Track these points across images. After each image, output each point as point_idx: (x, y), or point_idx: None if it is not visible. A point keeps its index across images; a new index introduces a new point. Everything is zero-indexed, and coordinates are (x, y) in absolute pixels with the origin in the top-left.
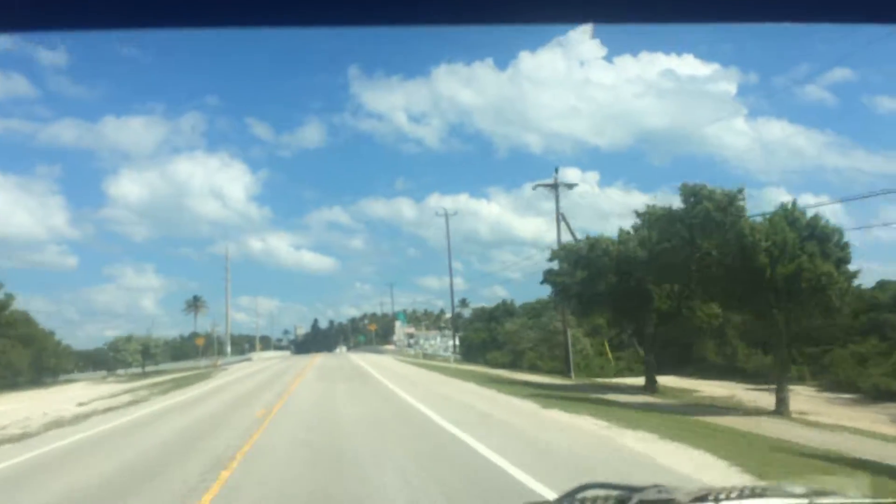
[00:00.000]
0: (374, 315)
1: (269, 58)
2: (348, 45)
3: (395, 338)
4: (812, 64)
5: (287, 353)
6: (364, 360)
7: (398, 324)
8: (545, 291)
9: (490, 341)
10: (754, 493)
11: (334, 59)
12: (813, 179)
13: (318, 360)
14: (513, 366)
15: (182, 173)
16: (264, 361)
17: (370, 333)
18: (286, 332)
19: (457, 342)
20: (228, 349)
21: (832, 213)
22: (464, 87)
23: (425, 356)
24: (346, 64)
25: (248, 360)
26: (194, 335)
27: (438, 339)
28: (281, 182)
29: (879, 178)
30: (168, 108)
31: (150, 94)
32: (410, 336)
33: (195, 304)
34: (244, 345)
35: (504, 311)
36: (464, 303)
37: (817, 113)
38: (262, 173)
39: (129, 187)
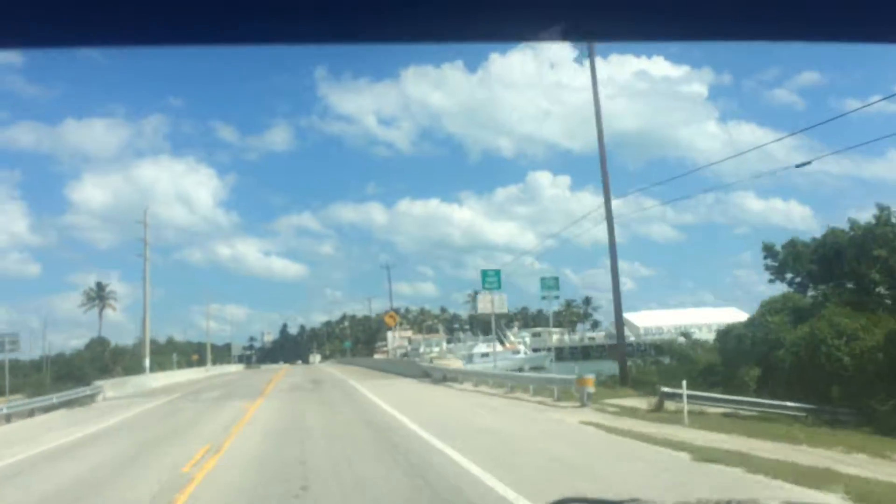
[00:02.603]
0: (353, 318)
1: (233, 59)
2: (314, 47)
3: (389, 343)
4: (781, 68)
5: (239, 367)
6: (388, 399)
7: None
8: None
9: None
10: None
11: (300, 61)
12: (782, 183)
13: (278, 383)
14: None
15: (146, 178)
16: (165, 396)
17: (361, 336)
18: (252, 339)
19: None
20: (147, 363)
21: (801, 218)
22: (434, 89)
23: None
24: (313, 65)
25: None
26: (96, 344)
27: (483, 344)
28: (249, 187)
29: (846, 181)
30: (130, 110)
31: (111, 96)
32: (409, 341)
33: (99, 295)
34: (192, 355)
35: None
36: (475, 297)
37: (786, 116)
38: (230, 178)
39: (91, 192)
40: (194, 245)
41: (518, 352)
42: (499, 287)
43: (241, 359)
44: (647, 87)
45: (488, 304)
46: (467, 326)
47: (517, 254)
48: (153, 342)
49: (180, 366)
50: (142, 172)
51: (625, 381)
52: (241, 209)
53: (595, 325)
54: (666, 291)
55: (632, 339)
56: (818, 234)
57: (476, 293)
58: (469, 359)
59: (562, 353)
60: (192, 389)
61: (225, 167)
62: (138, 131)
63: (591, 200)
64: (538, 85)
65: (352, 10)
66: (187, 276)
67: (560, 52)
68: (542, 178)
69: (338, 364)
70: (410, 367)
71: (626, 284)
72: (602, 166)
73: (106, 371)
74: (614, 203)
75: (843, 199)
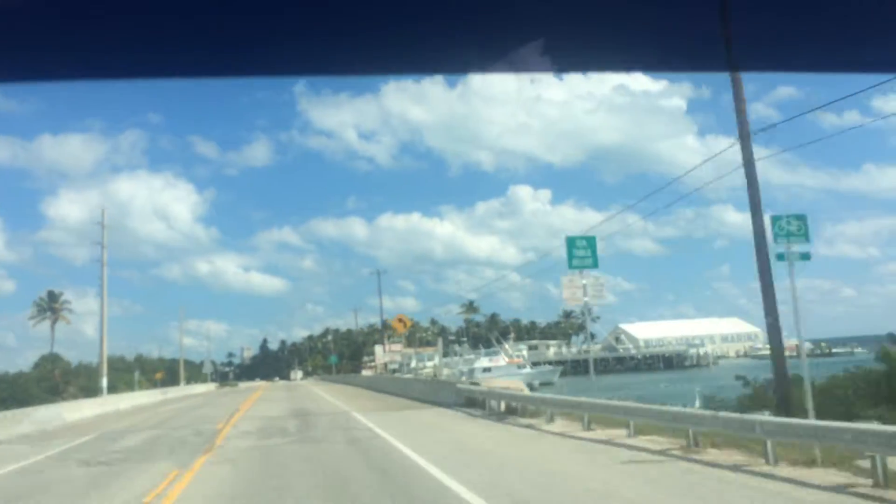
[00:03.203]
0: (336, 331)
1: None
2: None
3: (378, 358)
4: (759, 83)
5: (210, 387)
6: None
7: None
8: None
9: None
10: None
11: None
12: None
13: (245, 416)
14: None
15: (124, 193)
16: (62, 442)
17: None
18: (230, 354)
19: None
20: (104, 383)
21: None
22: (414, 104)
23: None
24: (293, 81)
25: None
26: (47, 361)
27: (485, 358)
28: (228, 202)
29: (822, 194)
30: (107, 125)
31: (87, 111)
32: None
33: (50, 307)
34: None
35: None
36: (471, 306)
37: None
38: (209, 193)
39: (68, 208)
40: (173, 261)
41: (523, 366)
42: (594, 264)
43: (220, 376)
44: (627, 101)
45: (577, 289)
46: (455, 339)
47: (498, 267)
48: (120, 360)
49: (142, 386)
50: (119, 188)
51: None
52: (220, 224)
53: (590, 336)
54: (648, 305)
55: (632, 351)
56: None
57: (471, 304)
58: (469, 374)
59: (564, 368)
60: (120, 427)
61: (204, 182)
62: (115, 147)
63: (572, 214)
64: (517, 99)
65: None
66: (166, 292)
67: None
68: (523, 192)
69: (324, 382)
70: (438, 390)
71: (608, 298)
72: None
73: (56, 392)
74: (595, 217)
75: (819, 211)
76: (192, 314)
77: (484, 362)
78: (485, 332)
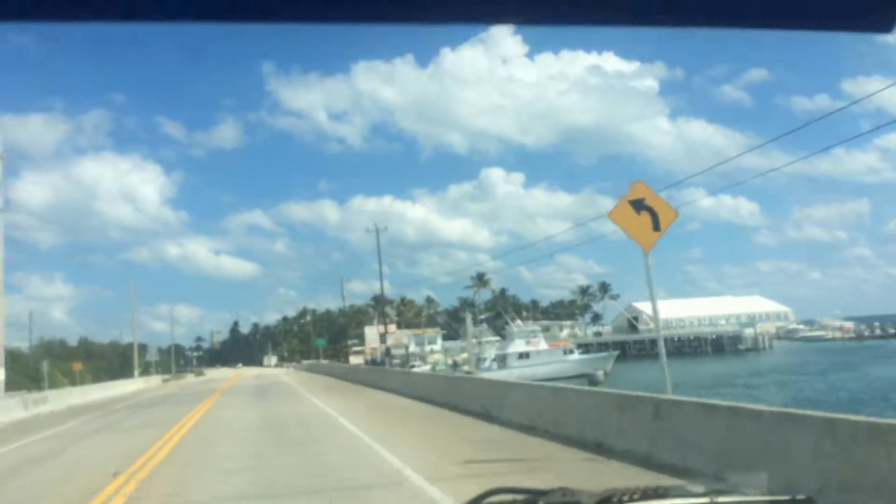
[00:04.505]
0: (314, 311)
1: (176, 52)
2: (261, 40)
3: (368, 341)
4: (730, 65)
5: (155, 381)
6: None
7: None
8: None
9: None
10: (657, 494)
11: (247, 54)
12: (732, 179)
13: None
14: None
15: (89, 175)
16: None
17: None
18: (199, 339)
19: None
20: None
21: (750, 213)
22: (385, 84)
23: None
24: (260, 59)
25: None
26: None
27: (520, 340)
28: (197, 184)
29: (795, 178)
30: (69, 104)
31: (48, 90)
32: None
33: None
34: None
35: None
36: (482, 280)
37: (736, 113)
38: (177, 175)
39: (31, 190)
40: (141, 244)
41: (570, 351)
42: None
43: (186, 362)
44: (600, 82)
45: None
46: (458, 319)
47: (470, 250)
48: (61, 345)
49: (56, 379)
50: (83, 170)
51: None
52: (189, 207)
53: (596, 317)
54: (619, 289)
55: (652, 331)
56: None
57: (481, 277)
58: (501, 361)
59: (589, 351)
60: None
61: (171, 164)
62: (78, 127)
63: (544, 197)
64: (490, 80)
65: None
66: (134, 275)
67: (513, 47)
68: (496, 175)
69: (307, 374)
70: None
71: (580, 280)
72: None
73: None
74: (568, 200)
75: (788, 194)
76: (161, 298)
77: (520, 346)
78: (492, 311)
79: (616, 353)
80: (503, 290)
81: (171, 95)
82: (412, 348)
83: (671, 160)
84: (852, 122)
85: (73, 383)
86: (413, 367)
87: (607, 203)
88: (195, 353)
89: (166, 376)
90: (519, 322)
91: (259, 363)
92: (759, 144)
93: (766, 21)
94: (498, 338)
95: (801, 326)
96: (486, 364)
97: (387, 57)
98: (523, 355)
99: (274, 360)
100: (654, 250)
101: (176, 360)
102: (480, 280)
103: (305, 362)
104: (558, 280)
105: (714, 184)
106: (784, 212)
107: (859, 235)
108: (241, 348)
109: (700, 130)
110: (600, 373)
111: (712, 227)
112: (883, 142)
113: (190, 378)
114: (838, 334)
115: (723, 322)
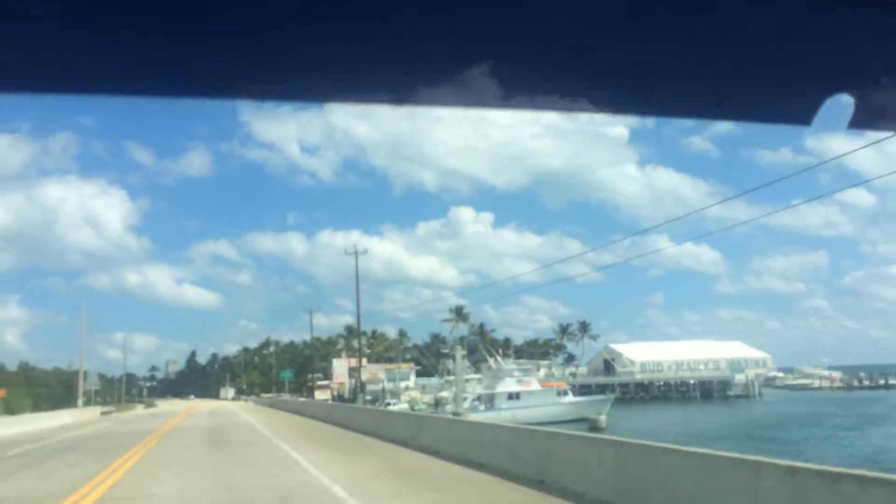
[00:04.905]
0: (277, 343)
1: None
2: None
3: (335, 376)
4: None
5: (87, 414)
6: None
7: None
8: None
9: None
10: None
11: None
12: (695, 228)
13: None
14: None
15: (52, 198)
16: None
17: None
18: (154, 368)
19: None
20: None
21: (712, 261)
22: (359, 120)
23: None
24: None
25: None
26: None
27: (510, 379)
28: (163, 212)
29: (755, 229)
30: (35, 126)
31: (14, 111)
32: (355, 371)
33: None
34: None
35: None
36: (460, 313)
37: (702, 163)
38: (143, 202)
39: None
40: (101, 270)
41: (564, 392)
42: None
43: (147, 391)
44: (572, 127)
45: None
46: (431, 354)
47: (436, 287)
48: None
49: None
50: (46, 192)
51: None
52: (153, 234)
53: (570, 358)
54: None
55: (636, 375)
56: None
57: (459, 310)
58: (489, 401)
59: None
60: None
61: (138, 190)
62: (44, 149)
63: (513, 238)
64: (463, 120)
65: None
66: (92, 302)
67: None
68: (465, 214)
69: (281, 412)
70: None
71: (542, 322)
72: None
73: None
74: (536, 241)
75: (749, 244)
76: (119, 326)
77: (510, 385)
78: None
79: (613, 395)
80: (482, 326)
81: (141, 121)
82: (382, 386)
83: (638, 206)
84: (812, 177)
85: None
86: (388, 404)
87: (574, 246)
88: (148, 384)
89: (107, 408)
90: (499, 359)
91: (215, 395)
92: (725, 199)
93: (703, 112)
94: (478, 375)
95: (780, 374)
96: (468, 403)
97: (359, 103)
98: (513, 396)
99: (231, 392)
100: (615, 292)
101: (128, 389)
102: (459, 314)
103: (265, 395)
104: (522, 320)
105: (679, 231)
106: (745, 261)
107: (817, 287)
108: (197, 379)
109: (667, 179)
110: (603, 417)
111: (675, 274)
112: (843, 196)
113: (138, 410)
114: (826, 383)
115: (702, 367)
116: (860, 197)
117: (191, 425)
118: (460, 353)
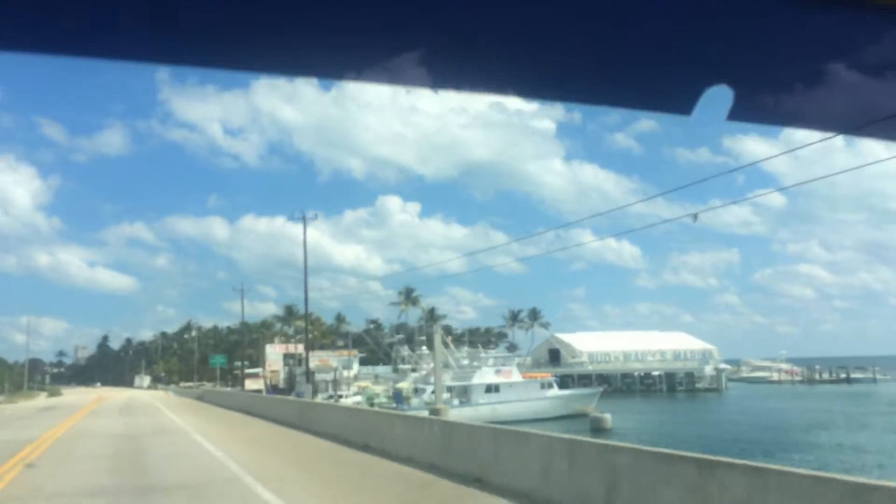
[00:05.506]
0: (199, 328)
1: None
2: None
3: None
4: (623, 113)
5: None
6: None
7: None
8: None
9: None
10: None
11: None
12: (617, 224)
13: None
14: None
15: None
16: None
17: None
18: (61, 353)
19: None
20: None
21: (632, 257)
22: (285, 103)
23: None
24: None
25: None
26: None
27: (489, 369)
28: (75, 191)
29: (675, 226)
30: None
31: None
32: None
33: None
34: None
35: None
36: (409, 296)
37: (626, 159)
38: (53, 180)
39: None
40: (6, 250)
41: (549, 385)
42: None
43: (51, 379)
44: (501, 118)
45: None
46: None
47: (361, 276)
48: None
49: None
50: None
51: None
52: (64, 214)
53: (512, 347)
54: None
55: (587, 366)
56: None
57: (409, 293)
58: (463, 394)
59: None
60: None
61: (49, 168)
62: None
63: (440, 228)
64: (392, 108)
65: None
66: None
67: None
68: (392, 203)
69: (219, 409)
70: None
71: (468, 313)
72: None
73: None
74: (462, 232)
75: (668, 241)
76: (26, 310)
77: (488, 376)
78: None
79: (601, 388)
80: (432, 310)
81: (53, 95)
82: (329, 376)
83: (563, 200)
84: (730, 177)
85: None
86: (339, 397)
87: (500, 237)
88: (55, 370)
89: None
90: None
91: (129, 384)
92: (648, 197)
93: (593, 99)
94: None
95: (728, 367)
96: (427, 396)
97: (287, 77)
98: (492, 388)
99: (147, 380)
100: (538, 285)
101: (32, 376)
102: (408, 298)
103: (186, 385)
104: (448, 311)
105: (602, 226)
106: (663, 257)
107: (730, 283)
108: (109, 365)
109: (592, 174)
110: (608, 416)
111: (596, 268)
112: (759, 198)
113: (38, 400)
114: (786, 377)
115: (650, 358)
116: (773, 198)
117: (91, 433)
118: (439, 332)
